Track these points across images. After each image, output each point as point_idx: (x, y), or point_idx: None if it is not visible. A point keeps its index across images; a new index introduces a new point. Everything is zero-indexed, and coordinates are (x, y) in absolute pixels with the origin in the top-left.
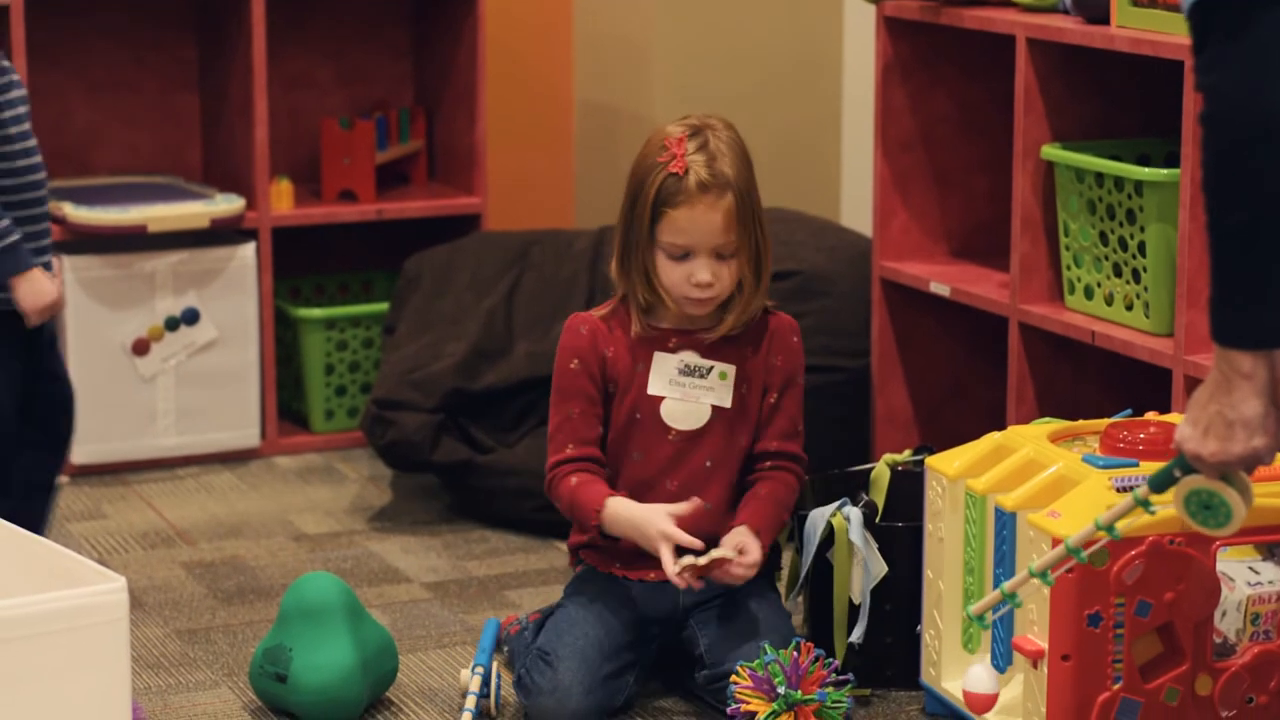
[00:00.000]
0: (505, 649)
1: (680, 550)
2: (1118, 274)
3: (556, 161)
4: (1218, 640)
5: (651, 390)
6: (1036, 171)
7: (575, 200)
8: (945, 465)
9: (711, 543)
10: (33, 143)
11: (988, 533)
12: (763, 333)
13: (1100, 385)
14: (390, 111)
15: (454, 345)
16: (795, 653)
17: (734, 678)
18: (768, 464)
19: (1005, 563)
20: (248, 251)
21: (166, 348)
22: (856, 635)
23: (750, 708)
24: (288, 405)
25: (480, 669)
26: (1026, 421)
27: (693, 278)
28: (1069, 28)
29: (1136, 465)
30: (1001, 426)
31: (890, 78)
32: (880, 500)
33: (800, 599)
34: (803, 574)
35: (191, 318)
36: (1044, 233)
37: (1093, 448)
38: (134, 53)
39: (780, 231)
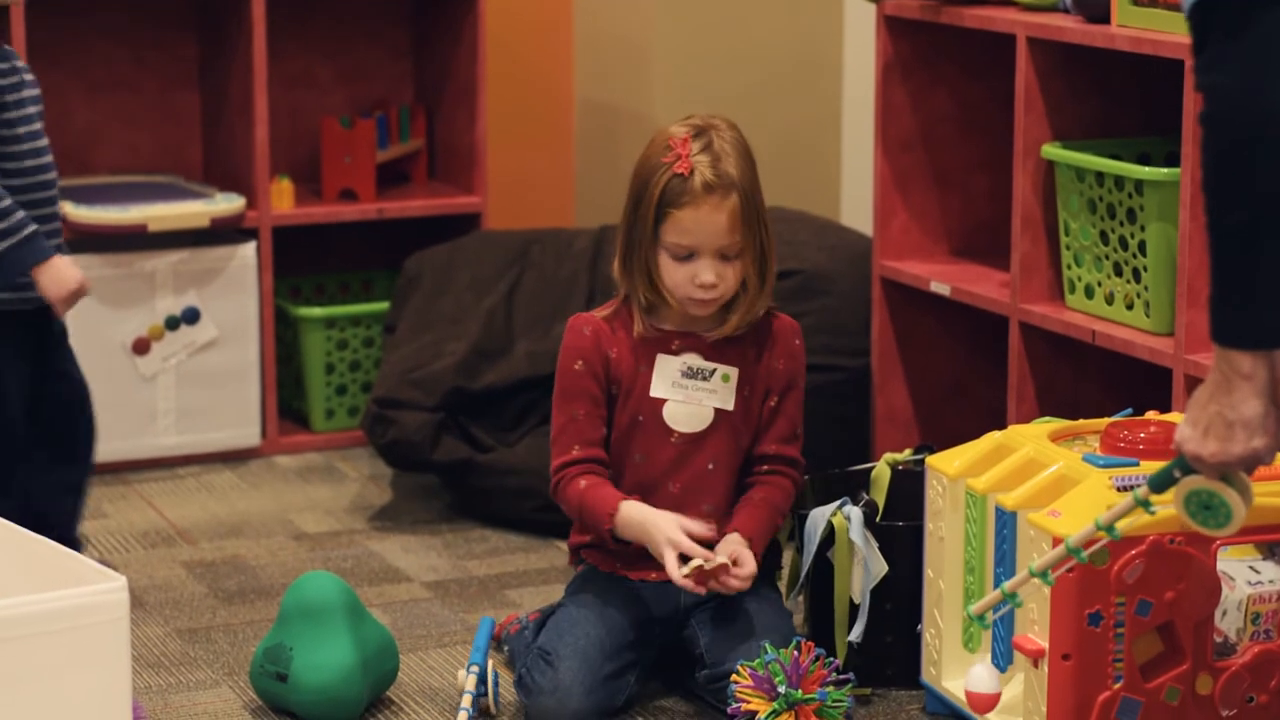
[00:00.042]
0: (505, 648)
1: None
2: (1118, 273)
3: (557, 160)
4: (1218, 639)
5: (654, 393)
6: (1037, 171)
7: (575, 199)
8: (946, 464)
9: (711, 546)
10: (43, 143)
11: (988, 532)
12: (765, 335)
13: (1101, 384)
14: (391, 110)
15: (454, 344)
16: (796, 652)
17: (734, 677)
18: (765, 468)
19: (1006, 562)
20: (248, 251)
21: (167, 347)
22: (856, 634)
23: (751, 707)
24: (288, 404)
25: (475, 668)
26: (1027, 421)
27: (697, 278)
28: (1069, 27)
29: (1137, 464)
30: (1002, 426)
31: (890, 77)
32: (881, 499)
33: (801, 598)
34: (803, 573)
35: (192, 317)
36: (1044, 232)
37: (1093, 447)
38: (134, 52)
39: (781, 231)
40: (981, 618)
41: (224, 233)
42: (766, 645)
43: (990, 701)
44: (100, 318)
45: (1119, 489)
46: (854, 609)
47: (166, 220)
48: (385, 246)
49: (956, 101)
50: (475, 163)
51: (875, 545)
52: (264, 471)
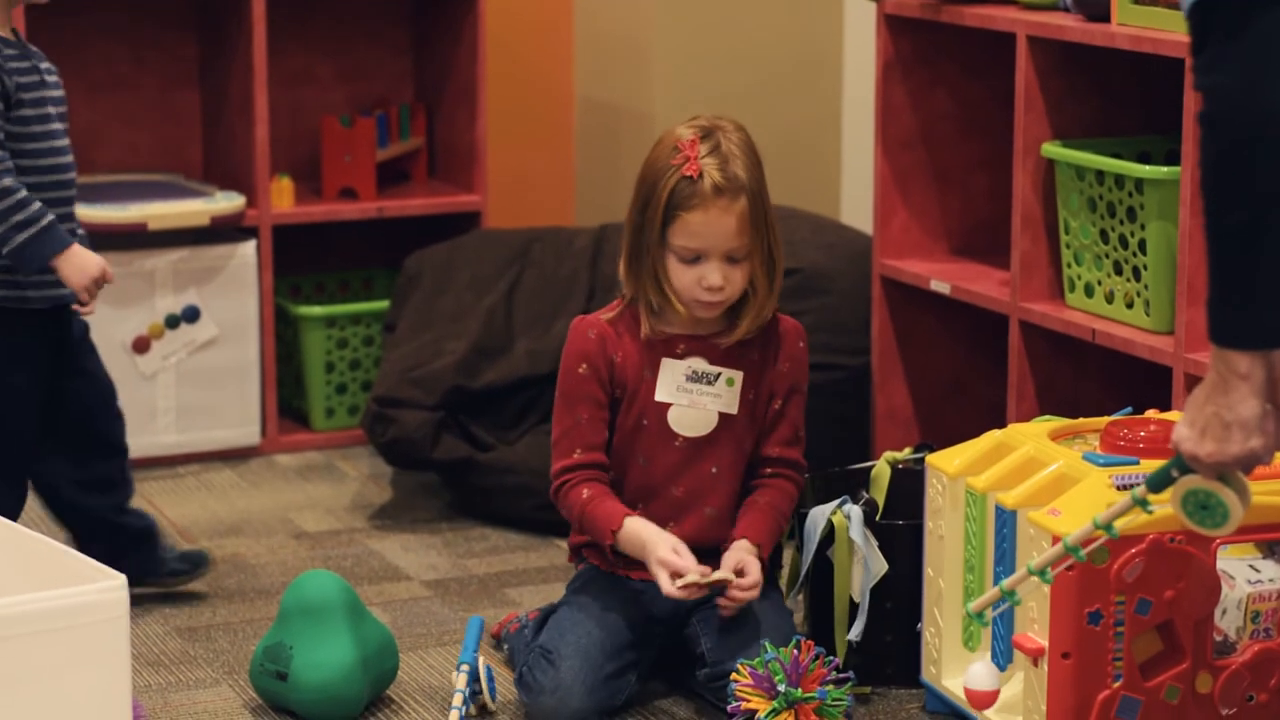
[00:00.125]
0: (505, 647)
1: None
2: (1118, 272)
3: (557, 159)
4: (1218, 638)
5: (659, 397)
6: (1037, 169)
7: (576, 198)
8: (945, 463)
9: (716, 548)
10: (62, 142)
11: (988, 530)
12: (770, 338)
13: (1100, 383)
14: (391, 109)
15: (454, 343)
16: (796, 651)
17: (734, 676)
18: (768, 470)
19: (1005, 560)
20: (248, 249)
21: (167, 345)
22: (856, 633)
23: (751, 706)
24: (288, 403)
25: (466, 666)
26: (1027, 419)
27: (704, 281)
28: (1069, 25)
29: (1137, 463)
30: (1002, 424)
31: (890, 75)
32: (880, 498)
33: (801, 597)
34: (803, 572)
35: (192, 315)
36: (1044, 230)
37: (1093, 446)
38: (134, 51)
39: (781, 229)
40: (980, 615)
41: (224, 231)
42: (766, 644)
43: (989, 699)
44: (100, 316)
45: (1119, 488)
46: (854, 608)
47: (166, 219)
48: (385, 245)
49: (956, 100)
50: (475, 161)
51: (875, 544)
52: (264, 470)
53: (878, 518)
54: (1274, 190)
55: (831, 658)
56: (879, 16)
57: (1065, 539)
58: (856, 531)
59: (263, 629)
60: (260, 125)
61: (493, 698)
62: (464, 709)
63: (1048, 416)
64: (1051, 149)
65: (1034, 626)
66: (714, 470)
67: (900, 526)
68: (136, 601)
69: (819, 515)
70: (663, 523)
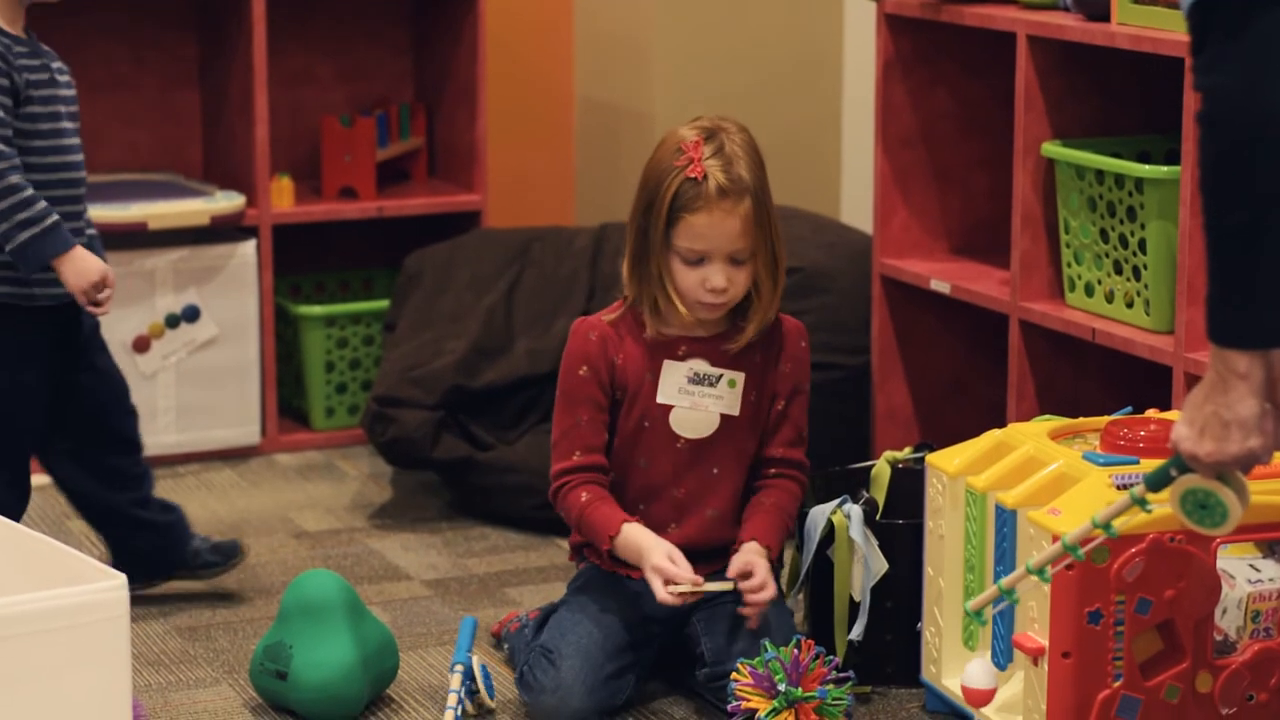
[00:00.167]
0: (505, 646)
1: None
2: (1118, 271)
3: (557, 159)
4: (1218, 638)
5: (661, 399)
6: (1037, 169)
7: (576, 197)
8: (946, 462)
9: (718, 549)
10: (70, 141)
11: (988, 530)
12: (772, 338)
13: (1101, 382)
14: (391, 108)
15: (454, 342)
16: (796, 650)
17: (734, 675)
18: (772, 471)
19: (1005, 560)
20: (248, 249)
21: (167, 345)
22: (857, 633)
23: (751, 705)
24: (288, 402)
25: (460, 666)
26: (1027, 419)
27: (707, 283)
28: (1069, 25)
29: (1137, 463)
30: (1002, 424)
31: (891, 75)
32: (881, 497)
33: (801, 596)
34: (803, 571)
35: (192, 315)
36: (1044, 230)
37: (1093, 445)
38: (134, 51)
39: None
40: (979, 614)
41: (224, 231)
42: (766, 643)
43: (985, 697)
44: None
45: (1119, 487)
46: (854, 607)
47: (166, 218)
48: (385, 245)
49: (957, 99)
50: (475, 161)
51: (875, 543)
52: (264, 470)
53: (878, 517)
54: (1273, 190)
55: (831, 657)
56: (879, 16)
57: (1064, 538)
58: (856, 531)
59: (263, 628)
60: (260, 125)
61: (490, 695)
62: (458, 709)
63: (1048, 416)
64: (1051, 148)
65: (1034, 626)
66: (715, 471)
67: (900, 526)
68: (137, 601)
69: (819, 515)
70: (664, 524)
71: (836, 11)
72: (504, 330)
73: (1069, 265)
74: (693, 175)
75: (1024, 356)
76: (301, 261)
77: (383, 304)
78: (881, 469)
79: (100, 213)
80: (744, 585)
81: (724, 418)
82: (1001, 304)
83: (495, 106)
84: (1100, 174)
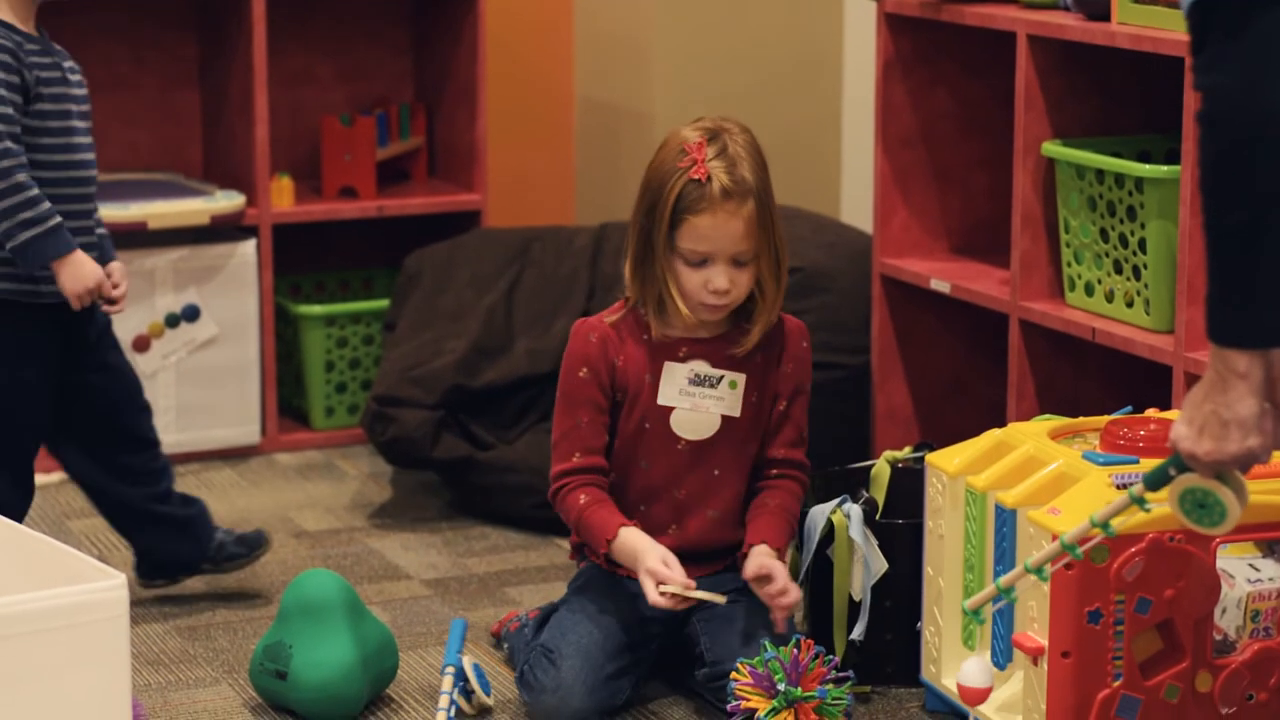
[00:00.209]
0: (505, 645)
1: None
2: (1118, 271)
3: (557, 158)
4: (1218, 637)
5: (661, 400)
6: (1037, 168)
7: (576, 197)
8: (945, 462)
9: (719, 551)
10: (80, 140)
11: (988, 529)
12: (774, 339)
13: (1100, 382)
14: (391, 108)
15: (454, 342)
16: (795, 650)
17: (734, 675)
18: (773, 471)
19: (1005, 560)
20: (248, 248)
21: (167, 344)
22: (858, 632)
23: (750, 705)
24: (288, 402)
25: (451, 669)
26: (1027, 418)
27: (710, 284)
28: (1070, 24)
29: (1137, 462)
30: (1002, 423)
31: (891, 74)
32: (880, 497)
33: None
34: (803, 571)
35: (192, 314)
36: (1044, 229)
37: (1093, 445)
38: (134, 51)
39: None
40: (977, 613)
41: (224, 230)
42: (766, 643)
43: (981, 695)
44: None
45: (1119, 486)
46: (854, 606)
47: (166, 218)
48: (385, 244)
49: (957, 99)
50: (475, 161)
51: (875, 543)
52: (264, 469)
53: (877, 517)
54: (1273, 190)
55: (831, 656)
56: (879, 16)
57: (1062, 537)
58: (856, 530)
59: (262, 628)
60: (260, 125)
61: (487, 692)
62: (451, 710)
63: (1048, 415)
64: (1051, 148)
65: (1034, 625)
66: (716, 473)
67: (900, 525)
68: (136, 601)
69: (819, 514)
70: (665, 525)
71: (836, 11)
72: (504, 330)
73: (1069, 265)
74: (696, 177)
75: (1024, 356)
76: (301, 261)
77: (383, 303)
78: (881, 469)
79: (100, 212)
80: (767, 590)
81: (725, 419)
82: (1001, 303)
83: (495, 106)
84: (1100, 173)
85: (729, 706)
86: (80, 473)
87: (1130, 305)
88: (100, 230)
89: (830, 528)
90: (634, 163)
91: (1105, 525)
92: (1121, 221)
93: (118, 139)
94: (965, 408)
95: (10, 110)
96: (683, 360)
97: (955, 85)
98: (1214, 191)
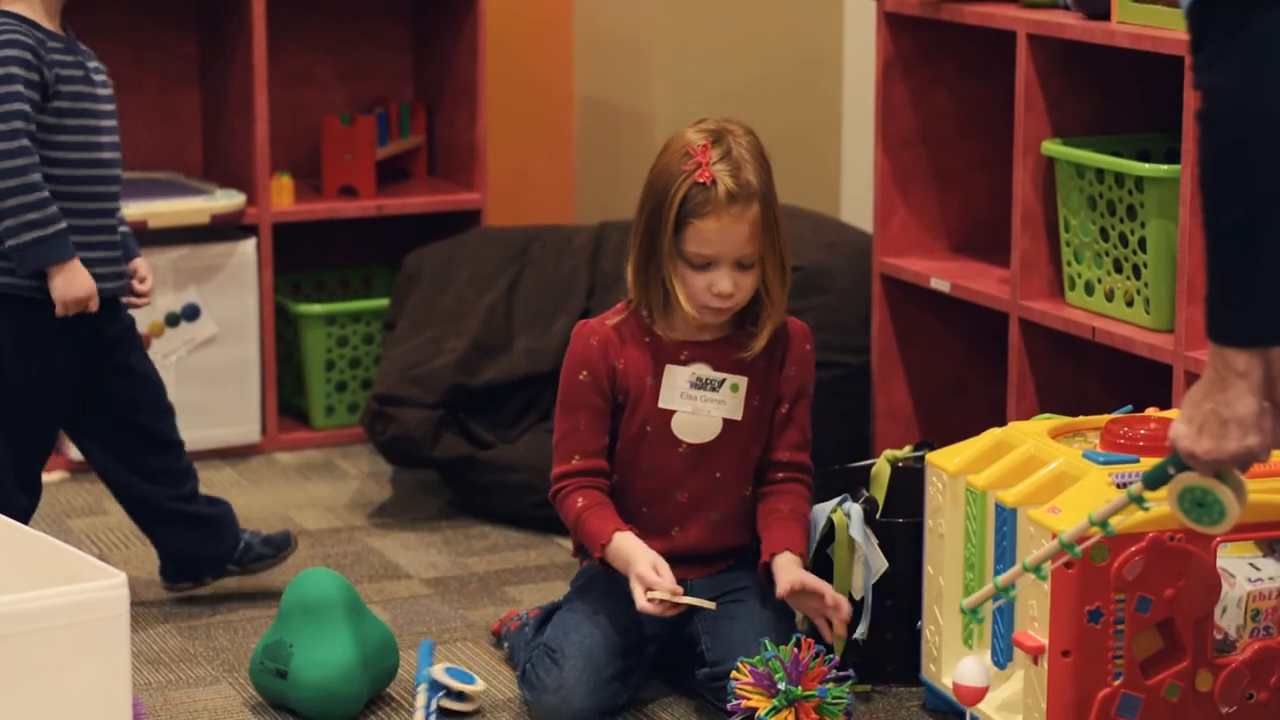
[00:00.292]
0: (505, 644)
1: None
2: (1118, 270)
3: (557, 158)
4: (1218, 636)
5: (663, 404)
6: (1037, 167)
7: (576, 196)
8: (946, 461)
9: (721, 553)
10: (102, 139)
11: (988, 529)
12: (777, 342)
13: (1101, 381)
14: (391, 107)
15: (454, 341)
16: (795, 649)
17: (734, 674)
18: (780, 475)
19: (1005, 559)
20: (248, 247)
21: (167, 343)
22: (861, 631)
23: (750, 704)
24: (288, 401)
25: (423, 686)
26: (1027, 417)
27: (714, 287)
28: (1069, 23)
29: (1137, 461)
30: (1002, 422)
31: (891, 74)
32: (881, 496)
33: None
34: None
35: (192, 314)
36: (1044, 229)
37: (1093, 444)
38: (134, 50)
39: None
40: (975, 611)
41: (224, 229)
42: (766, 642)
43: (977, 695)
44: None
45: (1119, 485)
46: (855, 606)
47: (167, 217)
48: (385, 243)
49: (957, 99)
50: (475, 160)
51: (875, 542)
52: (264, 468)
53: (878, 516)
54: (1272, 189)
55: (831, 655)
56: (879, 15)
57: (1060, 535)
58: (856, 529)
59: (263, 627)
60: (260, 124)
61: (471, 682)
62: (430, 712)
63: (1048, 414)
64: (1051, 147)
65: (1034, 624)
66: (718, 476)
67: (900, 524)
68: (137, 600)
69: (819, 513)
70: (668, 527)
71: (836, 11)
72: (504, 329)
73: (1069, 264)
74: (701, 180)
75: (1024, 355)
76: (301, 260)
77: (383, 302)
78: (881, 468)
79: None
80: (815, 607)
81: (726, 422)
82: (1001, 303)
83: (495, 106)
84: (1100, 172)
85: (729, 706)
86: (103, 468)
87: (1130, 304)
88: (123, 229)
89: (831, 527)
90: (634, 162)
91: (1104, 524)
92: (1121, 220)
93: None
94: (965, 407)
95: (28, 108)
96: (684, 363)
97: (955, 85)
98: (1213, 190)
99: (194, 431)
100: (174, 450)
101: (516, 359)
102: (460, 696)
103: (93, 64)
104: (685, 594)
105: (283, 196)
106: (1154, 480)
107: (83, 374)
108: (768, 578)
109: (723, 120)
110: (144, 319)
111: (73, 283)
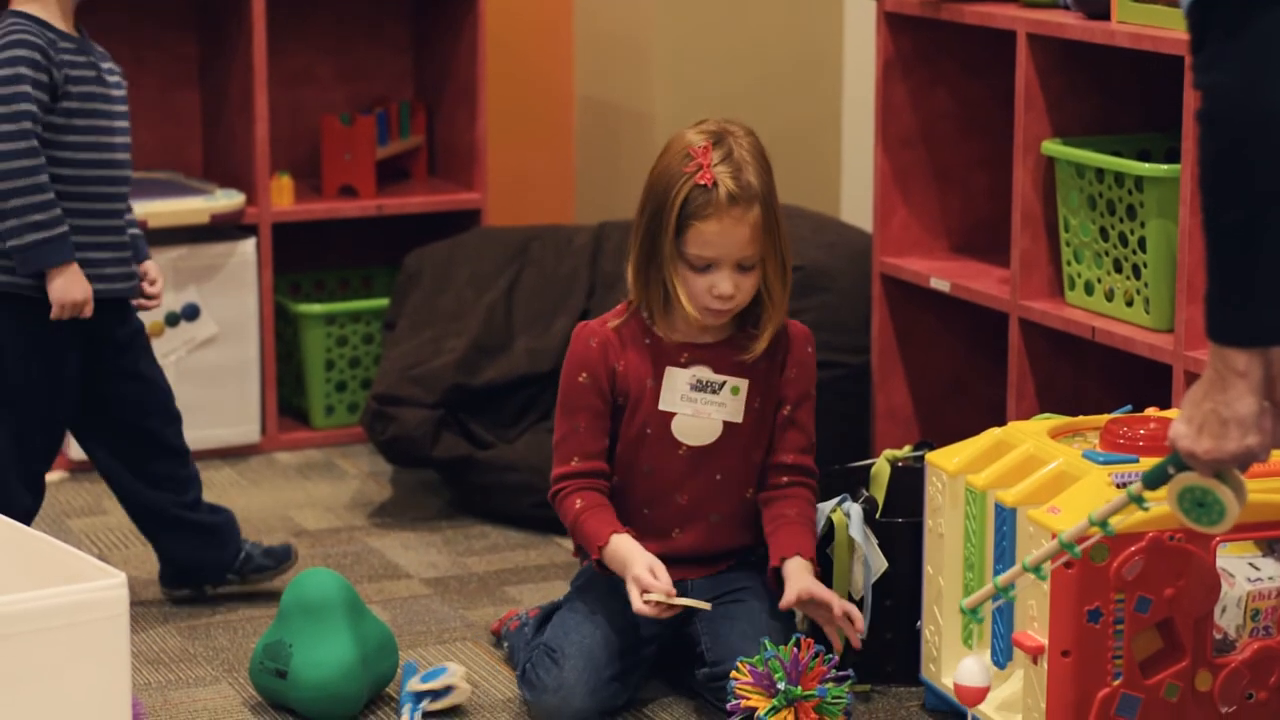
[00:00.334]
0: (505, 644)
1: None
2: (1118, 270)
3: (557, 157)
4: (1218, 636)
5: (663, 406)
6: (1037, 167)
7: (575, 196)
8: (945, 461)
9: (722, 555)
10: (114, 139)
11: (988, 528)
12: (778, 344)
13: (1100, 381)
14: (391, 107)
15: (454, 341)
16: (795, 649)
17: (734, 674)
18: (784, 479)
19: (1005, 559)
20: (248, 247)
21: (167, 343)
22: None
23: (750, 704)
24: (288, 401)
25: (407, 706)
26: (1027, 417)
27: (714, 289)
28: (1069, 23)
29: (1137, 461)
30: (1002, 422)
31: (891, 74)
32: (880, 496)
33: None
34: None
35: (192, 313)
36: (1044, 228)
37: (1093, 443)
38: (134, 51)
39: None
40: (975, 611)
41: (224, 229)
42: (766, 642)
43: (978, 695)
44: None
45: (1119, 485)
46: (854, 605)
47: (166, 216)
48: (385, 243)
49: (956, 98)
50: (475, 159)
51: (875, 542)
52: (264, 468)
53: (878, 516)
54: (1272, 189)
55: (831, 655)
56: (879, 15)
57: (1060, 535)
58: (856, 529)
59: (262, 627)
60: (260, 124)
61: (442, 673)
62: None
63: (1047, 414)
64: (1051, 147)
65: (1034, 624)
66: (719, 478)
67: (900, 524)
68: (137, 600)
69: (819, 513)
70: (668, 529)
71: (836, 11)
72: (504, 329)
73: (1069, 264)
74: (702, 182)
75: (1024, 355)
76: (301, 260)
77: (382, 302)
78: (881, 467)
79: None
80: (826, 617)
81: (727, 425)
82: (1001, 303)
83: (495, 106)
84: (1100, 172)
85: (729, 706)
86: (108, 472)
87: (1130, 304)
88: (133, 230)
89: (830, 526)
90: (634, 162)
91: (1104, 524)
92: (1121, 220)
93: None
94: (965, 407)
95: (36, 109)
96: (684, 366)
97: (955, 84)
98: (1213, 190)
99: (194, 431)
100: (180, 457)
101: (516, 359)
102: (443, 693)
103: (106, 65)
104: (683, 595)
105: (282, 196)
106: (1154, 480)
107: (84, 375)
108: (777, 582)
109: (723, 121)
110: (144, 318)
111: (71, 286)
